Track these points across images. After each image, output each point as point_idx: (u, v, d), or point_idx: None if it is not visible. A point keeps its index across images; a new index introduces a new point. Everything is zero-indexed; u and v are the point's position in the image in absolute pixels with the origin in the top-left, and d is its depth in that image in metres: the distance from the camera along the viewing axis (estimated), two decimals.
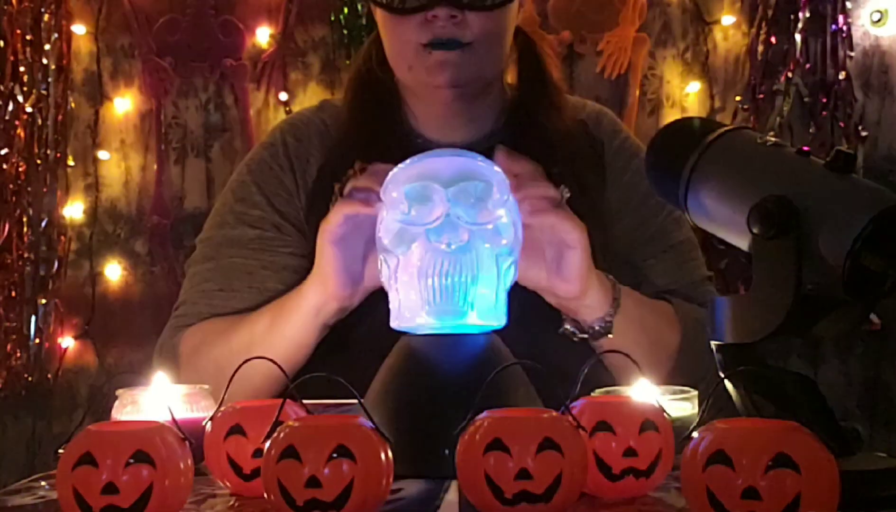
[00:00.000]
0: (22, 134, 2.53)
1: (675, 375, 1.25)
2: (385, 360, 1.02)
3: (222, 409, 0.89)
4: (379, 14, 1.32)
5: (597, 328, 1.20)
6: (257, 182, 1.37)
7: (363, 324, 1.23)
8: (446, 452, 0.80)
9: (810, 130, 2.44)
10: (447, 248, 0.98)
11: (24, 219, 2.54)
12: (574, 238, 1.12)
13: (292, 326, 1.22)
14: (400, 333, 1.03)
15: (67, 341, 2.61)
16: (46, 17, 2.54)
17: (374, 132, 1.33)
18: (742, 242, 0.90)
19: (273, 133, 1.43)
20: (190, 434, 0.79)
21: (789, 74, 2.42)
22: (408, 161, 1.04)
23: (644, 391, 0.97)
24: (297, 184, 1.37)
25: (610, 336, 1.20)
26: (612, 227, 1.33)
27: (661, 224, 1.35)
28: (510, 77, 1.42)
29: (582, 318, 1.20)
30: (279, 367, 0.88)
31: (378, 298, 1.07)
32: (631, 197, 1.36)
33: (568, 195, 1.13)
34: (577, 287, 1.16)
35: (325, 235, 1.15)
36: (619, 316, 1.20)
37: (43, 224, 2.56)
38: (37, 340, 2.56)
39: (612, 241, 1.32)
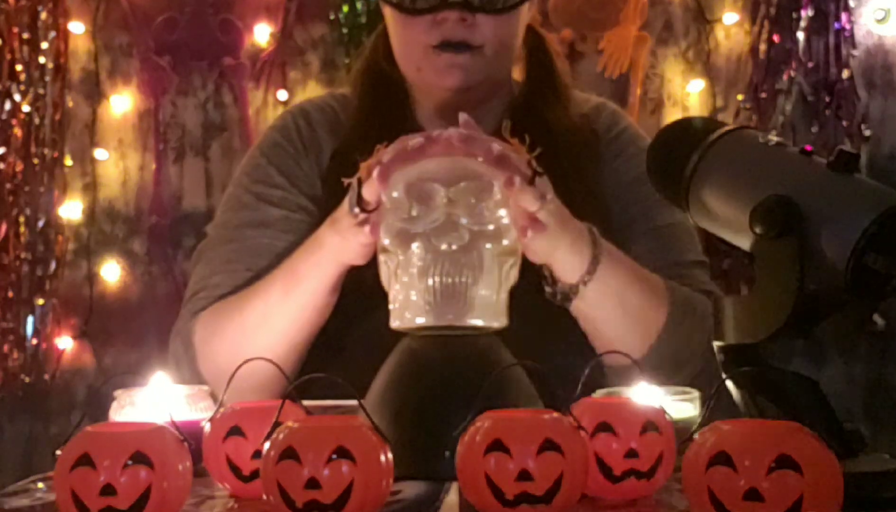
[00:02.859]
0: (19, 133, 2.52)
1: (654, 357, 1.23)
2: (385, 360, 1.02)
3: (221, 410, 0.88)
4: (388, 13, 1.31)
5: (559, 294, 1.18)
6: (275, 163, 1.35)
7: (363, 324, 1.23)
8: (447, 453, 0.79)
9: (813, 130, 2.43)
10: (448, 248, 0.98)
11: (22, 218, 2.53)
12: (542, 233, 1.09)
13: (311, 292, 1.20)
14: (400, 334, 1.02)
15: (65, 342, 2.61)
16: (44, 15, 2.53)
17: (383, 126, 1.32)
18: (744, 243, 0.90)
19: (284, 117, 1.41)
20: (189, 435, 0.79)
21: (792, 73, 2.42)
22: None
23: (646, 392, 0.96)
24: (312, 168, 1.35)
25: (572, 302, 1.18)
26: (601, 215, 1.32)
27: (645, 207, 1.33)
28: (517, 73, 1.42)
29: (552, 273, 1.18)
30: (278, 367, 0.88)
31: (377, 299, 1.06)
32: (618, 181, 1.35)
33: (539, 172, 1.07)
34: (538, 260, 1.14)
35: (357, 247, 1.11)
36: (594, 287, 1.16)
37: (40, 224, 2.55)
38: (34, 341, 2.56)
39: (600, 227, 1.30)
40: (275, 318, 1.22)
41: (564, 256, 1.15)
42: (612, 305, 1.20)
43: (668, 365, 1.23)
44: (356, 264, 1.16)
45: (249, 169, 1.37)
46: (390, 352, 1.02)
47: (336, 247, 1.15)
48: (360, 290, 1.22)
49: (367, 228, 1.06)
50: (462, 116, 1.11)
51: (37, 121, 2.53)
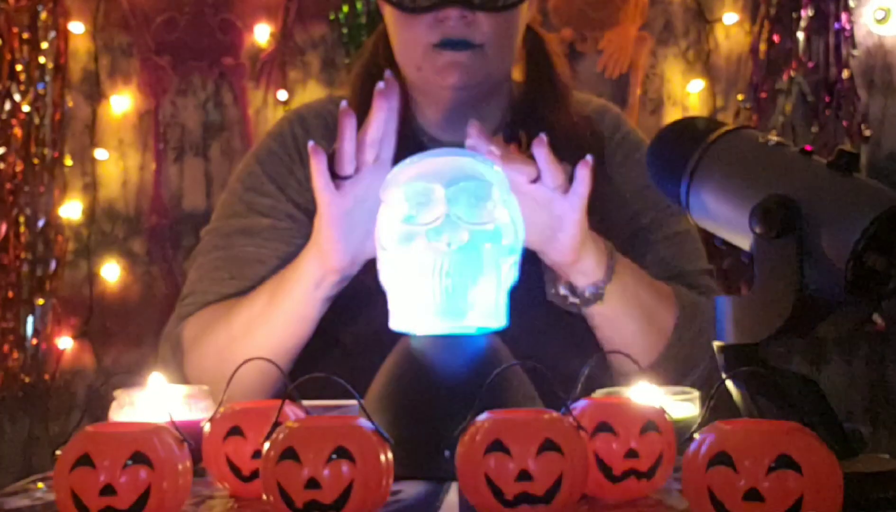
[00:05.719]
0: (19, 133, 2.52)
1: (667, 359, 1.25)
2: (385, 361, 1.02)
3: (221, 410, 0.88)
4: (388, 12, 1.31)
5: (587, 295, 1.21)
6: (268, 172, 1.36)
7: (362, 324, 1.23)
8: (446, 453, 0.79)
9: (813, 130, 2.43)
10: (447, 248, 0.98)
11: (22, 219, 2.53)
12: (574, 219, 1.14)
13: (292, 300, 1.22)
14: (399, 334, 1.02)
15: (65, 342, 2.61)
16: (43, 15, 2.53)
17: None
18: (744, 242, 0.90)
19: (281, 123, 1.42)
20: (188, 435, 0.79)
21: (792, 73, 2.42)
22: (407, 160, 1.04)
23: (645, 392, 0.96)
24: (306, 175, 1.36)
25: (601, 304, 1.21)
26: (610, 221, 1.33)
27: (656, 215, 1.35)
28: (517, 74, 1.42)
29: (574, 282, 1.21)
30: (277, 366, 0.88)
31: (376, 298, 1.06)
32: (627, 188, 1.36)
33: (570, 170, 1.14)
34: (569, 257, 1.17)
35: (324, 218, 1.16)
36: (614, 285, 1.20)
37: (40, 224, 2.55)
38: (34, 341, 2.55)
39: (610, 233, 1.32)
40: (259, 327, 1.23)
41: (590, 254, 1.18)
42: (631, 304, 1.22)
43: (682, 366, 1.24)
44: (341, 269, 1.19)
45: (244, 176, 1.39)
46: (390, 352, 1.02)
47: (315, 252, 1.18)
48: (359, 290, 1.22)
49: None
50: (471, 129, 1.14)
51: (37, 121, 2.53)
